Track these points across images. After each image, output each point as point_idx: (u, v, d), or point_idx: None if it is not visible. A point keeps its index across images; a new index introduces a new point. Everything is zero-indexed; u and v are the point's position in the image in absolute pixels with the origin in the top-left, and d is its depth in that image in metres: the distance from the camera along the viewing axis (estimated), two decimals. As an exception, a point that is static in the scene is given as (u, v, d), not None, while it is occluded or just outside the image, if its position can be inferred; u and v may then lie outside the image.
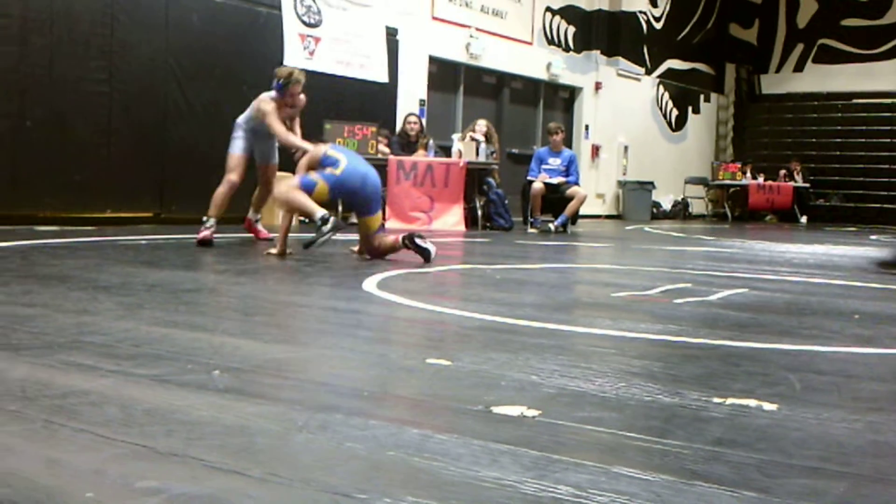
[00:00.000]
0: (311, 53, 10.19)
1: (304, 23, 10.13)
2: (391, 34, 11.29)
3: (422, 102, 12.01)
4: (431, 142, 10.60)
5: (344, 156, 6.05)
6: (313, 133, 9.85)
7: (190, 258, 5.61)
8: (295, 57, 9.97)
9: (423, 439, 1.81)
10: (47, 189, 7.90)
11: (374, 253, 6.05)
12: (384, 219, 9.69)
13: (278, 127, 6.68)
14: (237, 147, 6.99)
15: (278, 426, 1.88)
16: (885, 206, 18.01)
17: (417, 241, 5.84)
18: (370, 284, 4.46)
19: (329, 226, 5.74)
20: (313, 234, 5.81)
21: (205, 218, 6.70)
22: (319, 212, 5.77)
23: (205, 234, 6.52)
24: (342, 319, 3.49)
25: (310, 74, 9.99)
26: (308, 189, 5.87)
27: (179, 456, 1.65)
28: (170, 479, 1.52)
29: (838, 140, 19.04)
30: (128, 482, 1.50)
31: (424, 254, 5.82)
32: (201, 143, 9.13)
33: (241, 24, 9.48)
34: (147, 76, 8.65)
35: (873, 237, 12.50)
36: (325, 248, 6.59)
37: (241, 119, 7.03)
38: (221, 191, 6.89)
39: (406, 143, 10.37)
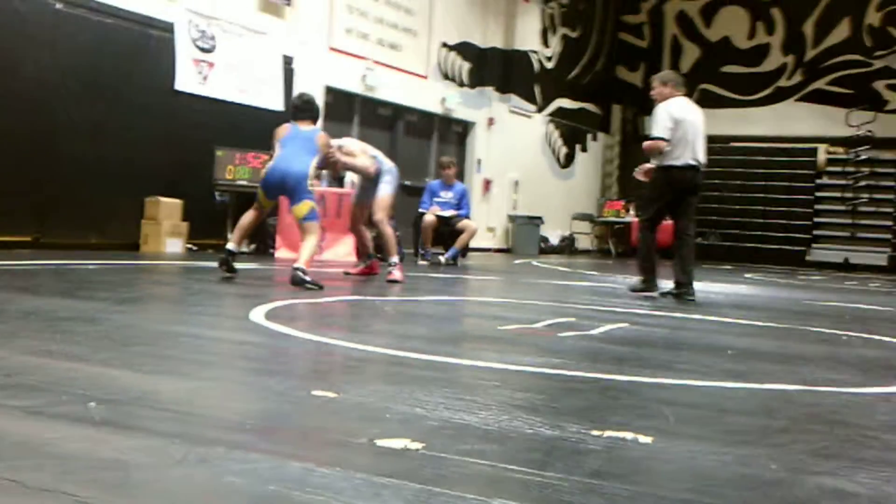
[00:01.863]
0: (205, 79, 10.05)
1: (198, 48, 9.99)
2: (287, 63, 11.24)
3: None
4: (325, 172, 10.56)
5: (277, 154, 6.48)
6: (205, 159, 9.72)
7: (68, 285, 5.42)
8: (188, 82, 9.82)
9: (305, 473, 1.80)
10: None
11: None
12: (274, 248, 9.63)
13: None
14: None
15: (155, 460, 1.84)
16: (759, 245, 18.83)
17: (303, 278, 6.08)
18: (258, 314, 4.41)
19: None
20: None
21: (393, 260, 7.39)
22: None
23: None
24: (226, 350, 3.44)
25: (202, 100, 9.90)
26: (256, 199, 6.53)
27: (50, 491, 1.59)
28: (39, 516, 1.47)
29: (717, 181, 19.84)
30: (-7, 519, 1.45)
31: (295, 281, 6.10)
32: (86, 167, 8.87)
33: (132, 45, 9.28)
34: (32, 95, 8.37)
35: (747, 275, 13.05)
36: (213, 274, 6.47)
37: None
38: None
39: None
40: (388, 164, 7.65)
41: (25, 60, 8.29)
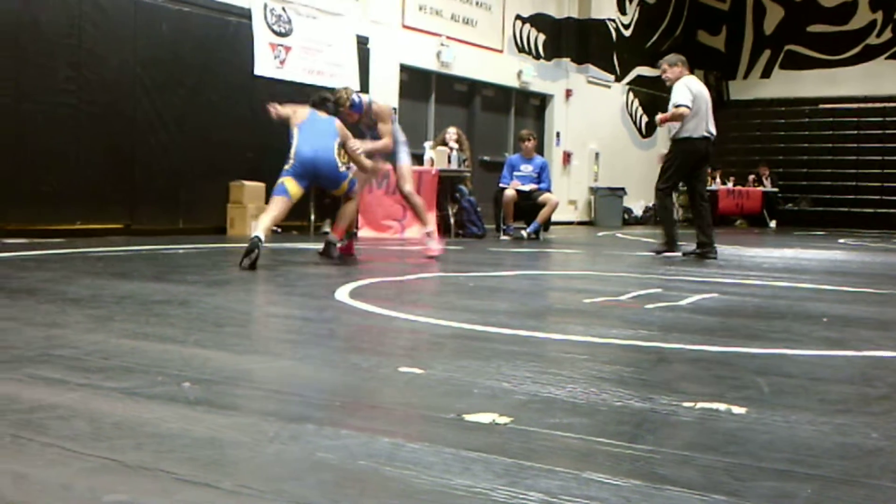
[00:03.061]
0: (282, 63, 10.17)
1: (274, 32, 10.11)
2: (362, 43, 11.29)
3: (393, 110, 12.01)
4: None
5: (297, 140, 6.25)
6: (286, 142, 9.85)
7: (160, 269, 5.57)
8: (266, 66, 9.96)
9: (394, 448, 1.81)
10: (15, 201, 7.82)
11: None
12: (357, 227, 9.73)
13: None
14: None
15: (249, 437, 1.87)
16: (853, 209, 18.25)
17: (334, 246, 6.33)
18: (343, 293, 4.45)
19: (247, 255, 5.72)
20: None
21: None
22: (254, 233, 5.87)
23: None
24: (314, 329, 3.48)
25: (281, 83, 10.03)
26: (283, 194, 6.11)
27: (149, 469, 1.64)
28: (139, 493, 1.51)
29: (805, 145, 19.28)
30: (96, 496, 1.49)
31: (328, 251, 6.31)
32: (170, 154, 9.09)
33: (211, 33, 9.45)
34: (115, 87, 8.60)
35: (841, 241, 12.65)
36: (298, 256, 6.57)
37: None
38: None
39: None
40: (402, 136, 7.44)
41: (108, 53, 8.52)
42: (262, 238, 5.65)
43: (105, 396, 2.19)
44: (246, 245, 5.66)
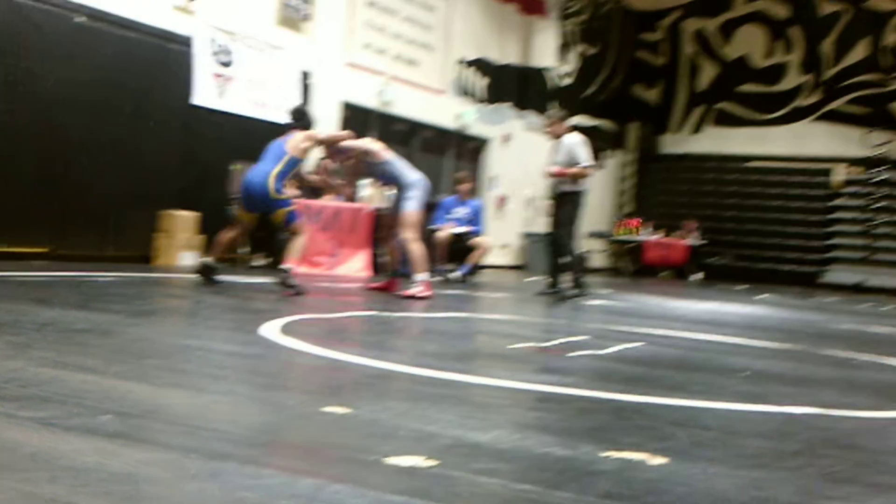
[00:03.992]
0: (223, 93, 10.11)
1: (217, 62, 10.06)
2: (305, 77, 11.31)
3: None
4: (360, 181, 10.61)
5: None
6: (222, 173, 9.76)
7: (84, 297, 5.45)
8: (206, 96, 9.89)
9: (316, 489, 1.80)
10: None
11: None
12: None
13: None
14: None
15: (168, 474, 1.84)
16: (774, 266, 18.75)
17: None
18: (271, 329, 4.42)
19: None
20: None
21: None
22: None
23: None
24: (239, 364, 3.45)
25: (220, 114, 9.97)
26: (231, 219, 6.81)
27: (63, 503, 1.60)
28: (51, 529, 1.47)
29: (733, 201, 19.78)
30: (6, 531, 1.45)
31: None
32: (103, 179, 8.93)
33: (151, 59, 9.35)
34: (51, 106, 8.44)
35: (762, 296, 12.99)
36: (229, 289, 6.51)
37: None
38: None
39: (316, 188, 10.35)
40: (414, 176, 7.55)
41: (45, 74, 8.36)
42: (210, 261, 5.97)
43: (20, 426, 2.14)
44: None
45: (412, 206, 7.42)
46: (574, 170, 8.67)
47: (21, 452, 1.91)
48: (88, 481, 1.74)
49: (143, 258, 9.28)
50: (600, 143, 19.38)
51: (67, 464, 1.85)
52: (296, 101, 11.06)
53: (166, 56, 9.53)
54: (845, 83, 19.03)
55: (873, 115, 18.54)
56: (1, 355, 3.09)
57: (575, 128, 9.26)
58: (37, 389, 2.57)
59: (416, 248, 7.44)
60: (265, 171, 6.40)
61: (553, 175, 8.77)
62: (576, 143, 8.73)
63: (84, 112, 8.74)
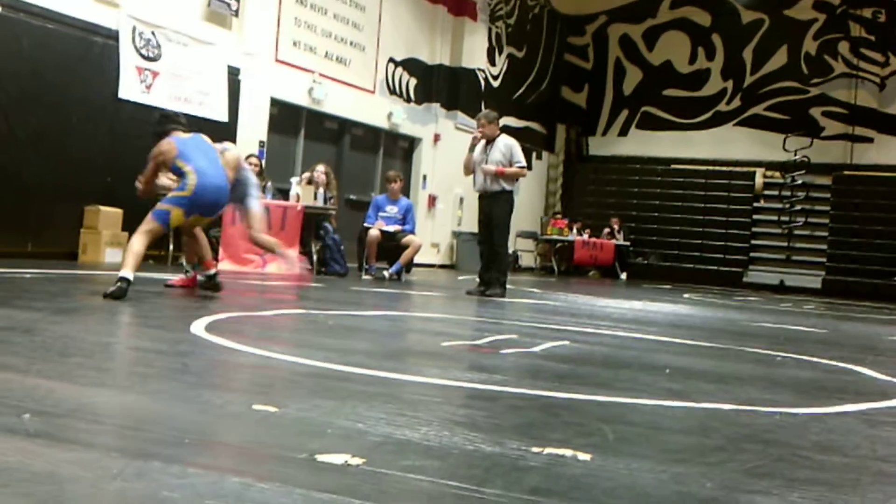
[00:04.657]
0: (148, 87, 9.93)
1: (141, 56, 9.87)
2: (233, 74, 11.17)
3: (262, 144, 11.90)
4: (270, 184, 10.52)
5: (193, 168, 5.96)
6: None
7: (4, 294, 5.30)
8: (131, 90, 9.70)
9: (243, 488, 1.79)
10: None
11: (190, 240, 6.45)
12: (217, 259, 9.53)
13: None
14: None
15: (91, 473, 1.81)
16: (698, 266, 19.17)
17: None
18: (198, 327, 4.36)
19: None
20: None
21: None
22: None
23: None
24: (166, 363, 3.39)
25: (146, 108, 9.78)
26: (163, 221, 5.91)
27: (-19, 505, 1.56)
28: (-31, 530, 1.44)
29: (657, 202, 20.18)
30: (-79, 534, 1.41)
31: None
32: (23, 173, 8.69)
33: (74, 52, 9.14)
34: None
35: (686, 295, 13.27)
36: (154, 286, 6.39)
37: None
38: None
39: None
40: (254, 179, 7.36)
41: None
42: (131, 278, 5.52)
43: (-65, 427, 2.07)
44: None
45: (256, 204, 7.34)
46: (513, 169, 8.85)
47: (-63, 453, 1.85)
48: (9, 481, 1.70)
49: (70, 255, 9.06)
50: (530, 144, 19.59)
51: (-14, 464, 1.80)
52: (222, 97, 10.93)
53: (90, 48, 9.32)
54: (765, 89, 19.58)
55: (792, 121, 19.12)
56: (-86, 354, 2.99)
57: (504, 129, 9.35)
58: (-47, 389, 2.49)
59: (266, 237, 7.55)
60: (223, 175, 6.17)
61: (493, 174, 8.83)
62: (513, 144, 8.92)
63: (4, 104, 8.50)
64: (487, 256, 9.08)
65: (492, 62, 17.73)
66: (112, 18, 9.51)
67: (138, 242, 5.75)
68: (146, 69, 9.92)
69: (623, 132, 20.96)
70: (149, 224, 5.86)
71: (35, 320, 4.14)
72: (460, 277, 13.39)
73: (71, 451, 1.96)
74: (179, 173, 6.01)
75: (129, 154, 9.63)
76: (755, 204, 19.61)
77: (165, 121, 6.32)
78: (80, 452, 1.96)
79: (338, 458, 2.07)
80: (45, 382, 2.71)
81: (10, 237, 8.63)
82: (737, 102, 19.86)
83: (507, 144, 8.88)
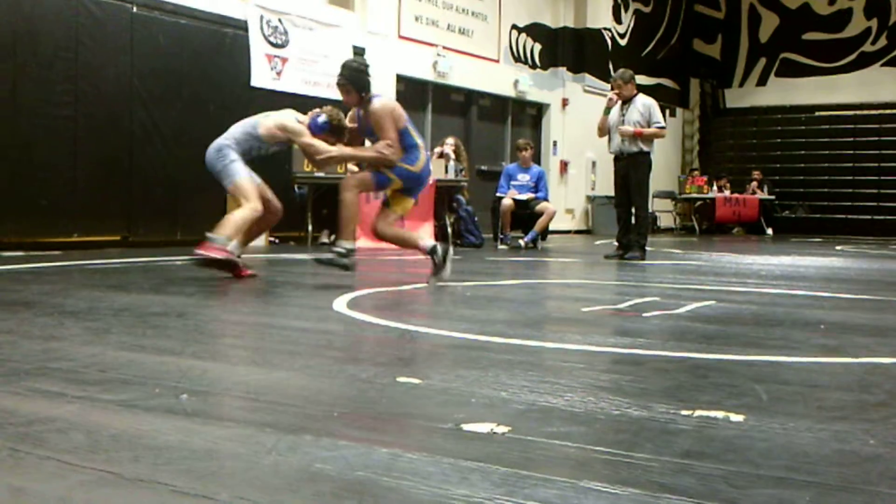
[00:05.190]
0: (279, 74, 10.19)
1: (270, 43, 10.13)
2: (358, 53, 11.31)
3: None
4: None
5: (421, 143, 5.69)
6: (283, 152, 9.83)
7: (158, 281, 5.57)
8: (262, 78, 9.97)
9: (392, 459, 1.81)
10: (12, 213, 7.82)
11: (382, 236, 5.77)
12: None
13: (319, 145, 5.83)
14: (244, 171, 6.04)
15: (246, 449, 1.87)
16: (849, 216, 18.28)
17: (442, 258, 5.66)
18: (340, 303, 4.45)
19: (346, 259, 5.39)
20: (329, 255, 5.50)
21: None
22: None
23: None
24: (311, 340, 3.48)
25: (278, 94, 10.04)
26: (381, 185, 5.61)
27: (146, 482, 1.63)
28: (136, 506, 1.50)
29: (802, 152, 19.32)
30: (94, 509, 1.49)
31: (437, 268, 5.69)
32: (168, 166, 9.10)
33: (208, 45, 9.47)
34: (112, 99, 8.60)
35: (838, 248, 12.67)
36: (295, 267, 6.57)
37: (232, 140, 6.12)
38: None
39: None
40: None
41: (105, 65, 8.53)
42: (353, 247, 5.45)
43: (102, 409, 2.19)
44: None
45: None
46: (651, 129, 8.69)
47: (104, 434, 1.95)
48: (171, 459, 1.78)
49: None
50: (663, 101, 19.07)
51: (149, 443, 1.89)
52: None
53: (222, 40, 9.64)
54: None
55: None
56: (80, 341, 3.17)
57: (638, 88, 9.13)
58: (116, 373, 2.63)
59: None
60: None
61: (631, 135, 8.68)
62: (652, 104, 8.74)
63: (146, 100, 8.90)
64: (625, 220, 8.93)
65: (618, 20, 17.31)
66: (240, 9, 9.79)
67: (352, 204, 5.45)
68: (275, 56, 10.18)
69: (761, 82, 20.10)
70: (362, 181, 5.55)
71: (187, 305, 4.33)
72: (597, 242, 13.21)
73: (227, 428, 2.03)
74: (409, 145, 5.60)
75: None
76: (910, 147, 18.49)
77: (364, 71, 5.75)
78: (235, 429, 2.03)
79: (483, 427, 2.07)
80: (199, 363, 2.83)
81: (160, 227, 9.06)
82: (883, 41, 18.69)
83: (645, 104, 8.71)
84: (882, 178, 18.44)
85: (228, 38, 9.70)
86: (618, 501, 1.58)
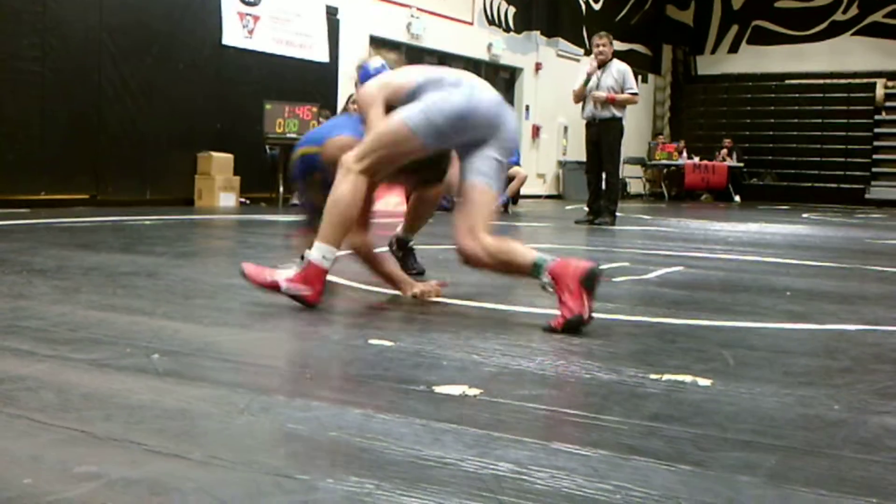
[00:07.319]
0: (251, 32, 10.06)
1: (242, 1, 9.98)
2: (331, 13, 11.19)
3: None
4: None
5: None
6: (253, 113, 9.73)
7: (127, 240, 5.52)
8: (234, 36, 9.84)
9: (365, 419, 1.82)
10: (-23, 170, 7.69)
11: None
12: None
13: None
14: None
15: (219, 409, 1.87)
16: (816, 184, 18.47)
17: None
18: (311, 266, 4.43)
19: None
20: None
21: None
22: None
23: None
24: (284, 301, 3.47)
25: (249, 54, 9.92)
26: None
27: (118, 440, 1.63)
28: (109, 464, 1.51)
29: (771, 121, 19.45)
30: (66, 467, 1.49)
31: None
32: (138, 123, 8.98)
33: (179, 1, 9.31)
34: (81, 54, 8.45)
35: (805, 215, 12.81)
36: (267, 228, 6.54)
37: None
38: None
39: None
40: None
41: (74, 19, 8.37)
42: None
43: (73, 368, 2.18)
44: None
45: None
46: (624, 96, 8.72)
47: (75, 393, 1.95)
48: (143, 418, 1.78)
49: (186, 200, 9.37)
50: (635, 67, 19.06)
51: (122, 402, 1.89)
52: (322, 38, 10.96)
53: (192, -3, 9.48)
54: (885, -6, 18.45)
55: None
56: (49, 300, 3.15)
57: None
58: (87, 332, 2.61)
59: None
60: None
61: (604, 100, 8.69)
62: (626, 70, 8.75)
63: (115, 57, 8.76)
64: (596, 185, 8.95)
65: (592, -16, 17.23)
66: (212, -35, 9.62)
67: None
68: (247, 14, 10.03)
69: (733, 49, 20.15)
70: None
71: (158, 264, 4.30)
72: (568, 207, 13.26)
73: (199, 388, 2.03)
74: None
75: (236, 100, 9.84)
76: (876, 117, 18.66)
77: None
78: (207, 389, 2.03)
79: (455, 389, 2.08)
80: (170, 323, 2.81)
81: (129, 185, 8.97)
82: (854, 10, 18.79)
83: (619, 70, 8.71)
84: (849, 146, 18.64)
85: (198, -6, 9.54)
86: (587, 463, 1.60)
